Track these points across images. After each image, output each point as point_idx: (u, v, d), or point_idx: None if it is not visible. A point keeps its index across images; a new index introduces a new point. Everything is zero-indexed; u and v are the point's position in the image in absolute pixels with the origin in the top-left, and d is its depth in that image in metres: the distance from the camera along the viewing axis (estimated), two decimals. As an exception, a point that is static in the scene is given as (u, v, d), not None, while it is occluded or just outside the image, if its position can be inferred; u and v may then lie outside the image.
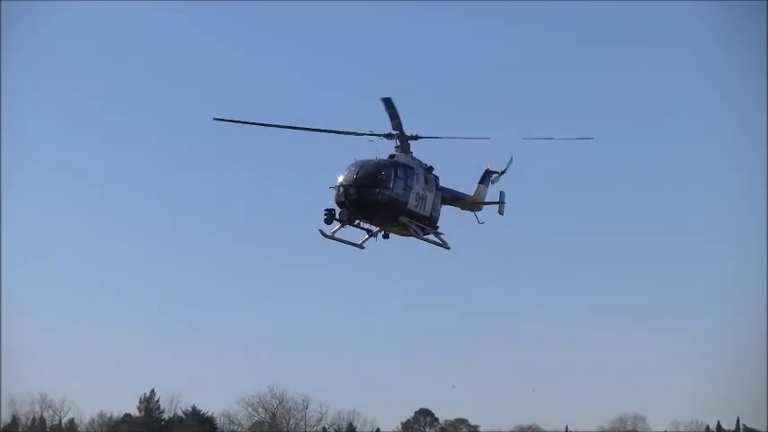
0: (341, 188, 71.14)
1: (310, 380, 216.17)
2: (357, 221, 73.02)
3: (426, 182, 74.98)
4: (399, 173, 72.25)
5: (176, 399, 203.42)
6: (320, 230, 72.82)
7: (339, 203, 71.44)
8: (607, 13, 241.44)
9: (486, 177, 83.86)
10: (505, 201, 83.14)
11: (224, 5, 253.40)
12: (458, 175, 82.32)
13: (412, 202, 73.19)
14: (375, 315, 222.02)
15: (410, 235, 75.05)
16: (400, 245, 75.83)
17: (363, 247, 75.11)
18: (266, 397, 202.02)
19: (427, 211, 74.87)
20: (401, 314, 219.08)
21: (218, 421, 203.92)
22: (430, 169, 75.94)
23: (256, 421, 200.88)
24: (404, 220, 72.76)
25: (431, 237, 75.70)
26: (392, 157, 73.99)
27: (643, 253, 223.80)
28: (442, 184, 77.67)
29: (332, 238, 73.26)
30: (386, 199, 71.22)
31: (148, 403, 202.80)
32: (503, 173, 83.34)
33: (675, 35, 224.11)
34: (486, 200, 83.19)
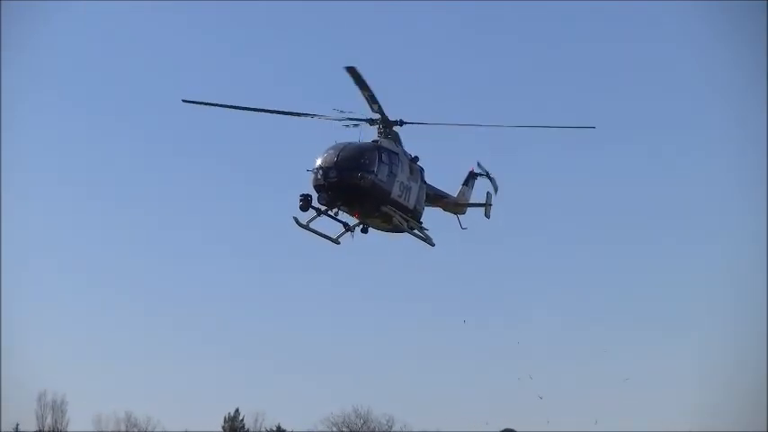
0: (320, 171, 64.86)
1: (395, 399, 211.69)
2: (335, 210, 66.71)
3: (411, 171, 68.89)
4: (384, 158, 66.05)
5: (261, 417, 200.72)
6: (295, 218, 66.30)
7: (317, 187, 65.09)
8: (606, 13, 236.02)
9: (471, 179, 78.30)
10: (492, 203, 77.38)
11: (225, 5, 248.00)
12: (443, 175, 76.22)
13: (396, 192, 66.96)
14: (454, 333, 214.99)
15: (391, 229, 68.87)
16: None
17: (339, 243, 68.47)
18: (350, 417, 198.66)
19: (411, 204, 68.63)
20: (481, 331, 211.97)
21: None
22: (415, 159, 69.92)
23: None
24: (387, 209, 66.52)
25: (415, 231, 69.56)
26: (375, 142, 67.95)
27: (645, 258, 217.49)
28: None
29: (306, 228, 66.78)
30: (369, 184, 64.89)
31: (233, 422, 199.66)
32: (490, 176, 77.72)
33: (674, 35, 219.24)
34: (471, 201, 77.54)
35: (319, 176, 64.76)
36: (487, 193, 77.49)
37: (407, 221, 68.27)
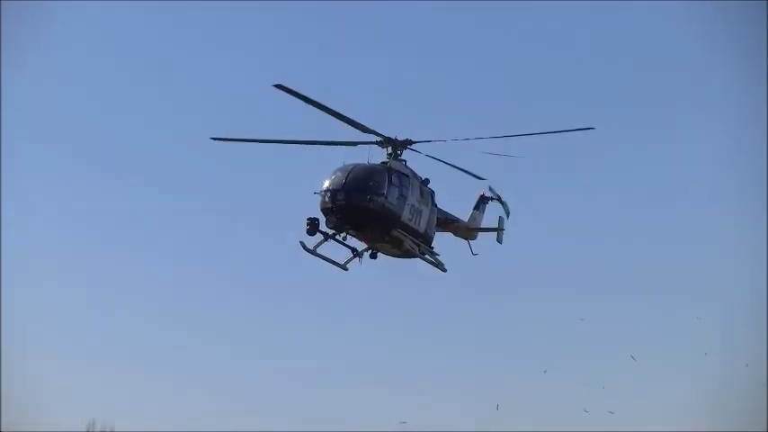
0: (327, 193, 62.42)
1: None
2: (343, 234, 64.31)
3: (422, 194, 66.42)
4: (394, 179, 63.56)
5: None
6: (301, 243, 63.90)
7: (325, 210, 62.59)
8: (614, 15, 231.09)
9: (482, 203, 75.95)
10: (505, 227, 75.01)
11: (226, 6, 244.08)
12: (452, 198, 73.70)
13: (406, 215, 64.39)
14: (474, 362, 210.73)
15: (401, 254, 66.36)
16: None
17: (347, 269, 66.12)
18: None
19: (422, 227, 66.07)
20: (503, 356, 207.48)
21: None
22: (426, 182, 67.48)
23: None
24: (397, 233, 64.01)
25: (426, 256, 67.10)
26: (385, 163, 65.55)
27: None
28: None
29: (313, 253, 64.39)
30: (378, 207, 62.34)
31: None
32: (501, 200, 75.51)
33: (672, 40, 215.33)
34: (483, 226, 75.17)
35: (327, 199, 62.33)
36: (499, 217, 75.30)
37: (418, 246, 65.88)
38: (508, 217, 75.89)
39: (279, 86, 60.37)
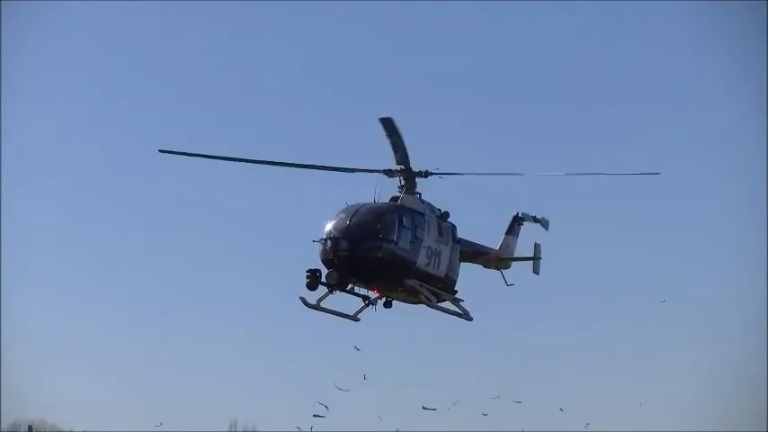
0: (329, 241, 53.86)
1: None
2: (350, 285, 55.55)
3: (440, 232, 57.58)
4: (405, 221, 54.86)
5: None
6: (302, 298, 55.59)
7: (326, 261, 54.07)
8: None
9: (516, 225, 66.99)
10: (542, 256, 65.94)
11: (228, 5, 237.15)
12: (481, 224, 64.90)
13: (422, 260, 55.76)
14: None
15: (420, 302, 57.65)
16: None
17: (358, 320, 58.02)
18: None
19: (442, 271, 57.33)
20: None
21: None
22: (444, 216, 58.56)
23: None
24: (412, 283, 55.33)
25: (447, 305, 58.18)
26: (395, 199, 56.83)
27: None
28: (459, 234, 59.92)
29: (317, 308, 56.01)
30: (388, 255, 53.79)
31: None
32: (538, 220, 66.70)
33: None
34: (517, 255, 66.14)
35: (328, 248, 53.82)
36: (535, 245, 66.15)
37: (437, 295, 57.05)
38: (547, 229, 67.04)
39: (383, 120, 53.76)
